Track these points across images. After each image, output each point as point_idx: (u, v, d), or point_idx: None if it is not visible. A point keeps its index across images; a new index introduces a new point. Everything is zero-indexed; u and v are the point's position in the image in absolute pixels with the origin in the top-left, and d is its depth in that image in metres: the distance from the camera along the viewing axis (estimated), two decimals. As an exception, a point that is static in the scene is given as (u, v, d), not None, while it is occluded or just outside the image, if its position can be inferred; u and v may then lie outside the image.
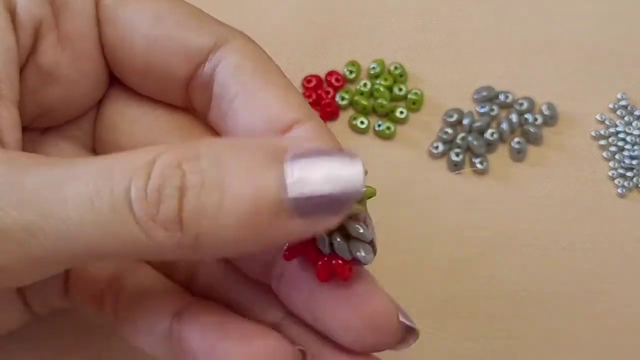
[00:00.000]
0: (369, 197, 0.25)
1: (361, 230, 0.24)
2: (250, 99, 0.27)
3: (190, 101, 0.29)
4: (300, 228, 0.22)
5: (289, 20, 0.42)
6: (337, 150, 0.23)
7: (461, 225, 0.38)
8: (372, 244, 0.25)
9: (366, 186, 0.23)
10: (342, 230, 0.24)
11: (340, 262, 0.25)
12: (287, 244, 0.25)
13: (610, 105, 0.41)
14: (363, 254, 0.24)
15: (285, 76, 0.28)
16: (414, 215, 0.38)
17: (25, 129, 0.27)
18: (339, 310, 0.25)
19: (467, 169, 0.39)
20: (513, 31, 0.42)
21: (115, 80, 0.29)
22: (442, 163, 0.39)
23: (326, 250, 0.25)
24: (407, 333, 0.26)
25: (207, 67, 0.27)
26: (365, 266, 0.25)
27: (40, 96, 0.28)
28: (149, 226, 0.22)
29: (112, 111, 0.30)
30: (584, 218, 0.38)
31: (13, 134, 0.25)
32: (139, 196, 0.21)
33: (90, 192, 0.22)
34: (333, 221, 0.22)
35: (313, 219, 0.22)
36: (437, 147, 0.39)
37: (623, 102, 0.41)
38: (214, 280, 0.29)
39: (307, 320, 0.27)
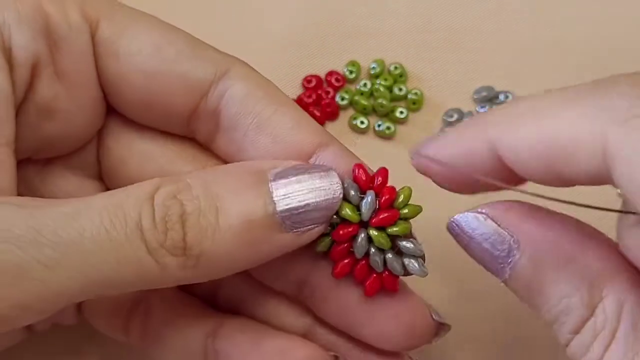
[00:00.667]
0: (417, 214, 0.27)
1: (413, 247, 0.26)
2: (266, 128, 0.27)
3: (192, 131, 0.29)
4: (291, 240, 0.25)
5: (289, 21, 0.42)
6: (313, 165, 0.26)
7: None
8: (423, 258, 0.27)
9: (413, 205, 0.26)
10: (394, 249, 0.26)
11: (389, 275, 0.27)
12: (336, 265, 0.27)
13: (610, 105, 0.41)
14: (417, 267, 0.26)
15: (294, 102, 0.28)
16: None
17: (28, 160, 0.28)
18: (376, 320, 0.27)
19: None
20: (513, 31, 0.42)
21: (113, 109, 0.29)
22: (442, 163, 0.39)
23: (379, 268, 0.26)
24: (440, 328, 0.28)
25: (211, 98, 0.27)
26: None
27: (39, 130, 0.27)
28: (158, 253, 0.23)
29: (114, 142, 0.29)
30: (584, 218, 0.38)
31: (7, 175, 0.26)
32: (149, 226, 0.23)
33: (105, 222, 0.23)
34: (319, 230, 0.25)
35: (301, 230, 0.25)
36: (437, 147, 0.39)
37: (623, 102, 0.41)
38: (237, 295, 0.30)
39: (341, 328, 0.28)
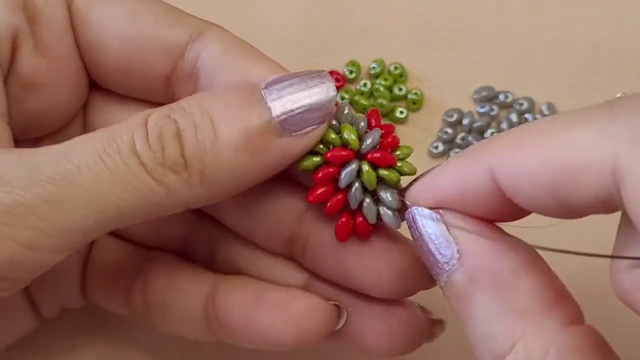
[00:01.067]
0: (411, 174, 0.26)
1: (391, 199, 0.25)
2: (242, 82, 0.27)
3: (171, 96, 0.29)
4: (292, 143, 0.25)
5: (289, 21, 0.42)
6: (304, 71, 0.25)
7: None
8: (399, 211, 0.26)
9: (408, 162, 0.26)
10: (374, 195, 0.26)
11: (362, 220, 0.26)
12: (314, 189, 0.26)
13: (610, 105, 0.41)
14: (391, 217, 0.26)
15: (270, 58, 0.28)
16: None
17: (17, 141, 0.28)
18: (371, 269, 0.27)
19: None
20: (513, 31, 0.42)
21: (95, 84, 0.29)
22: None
23: (354, 204, 0.26)
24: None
25: (187, 59, 0.28)
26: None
27: (25, 106, 0.28)
28: (159, 172, 0.23)
29: (98, 116, 0.30)
30: (584, 217, 0.38)
31: (7, 146, 0.26)
32: (144, 147, 0.23)
33: (99, 152, 0.23)
34: (318, 132, 0.25)
35: (301, 133, 0.25)
36: (437, 147, 0.39)
37: (623, 102, 0.40)
38: (233, 257, 0.29)
39: (337, 281, 0.28)
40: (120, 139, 0.23)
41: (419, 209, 0.24)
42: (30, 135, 0.29)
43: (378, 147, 0.26)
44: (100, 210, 0.23)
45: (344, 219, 0.26)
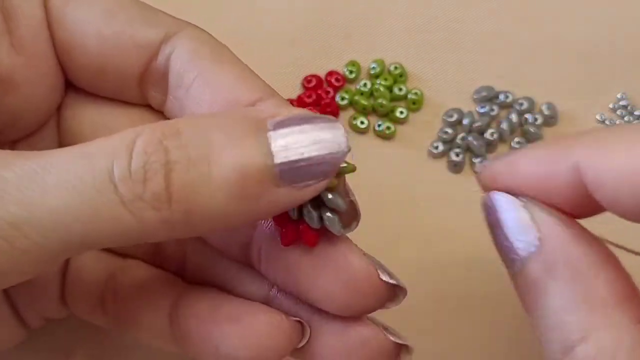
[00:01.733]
0: (349, 172, 0.24)
1: (334, 199, 0.24)
2: (208, 83, 0.26)
3: (145, 97, 0.28)
4: (288, 196, 0.22)
5: (289, 21, 0.42)
6: (316, 115, 0.23)
7: (461, 225, 0.37)
8: (347, 214, 0.24)
9: (346, 162, 0.24)
10: (316, 200, 0.24)
11: (307, 227, 0.25)
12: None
13: (610, 105, 0.41)
14: (334, 221, 0.24)
15: (241, 61, 0.27)
16: (414, 215, 0.38)
17: None
18: (318, 280, 0.25)
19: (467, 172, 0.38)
20: (513, 31, 0.42)
21: (71, 85, 0.29)
22: (442, 163, 0.39)
23: (294, 215, 0.24)
24: (395, 290, 0.26)
25: (160, 58, 0.27)
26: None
27: (1, 106, 0.27)
28: (136, 206, 0.21)
29: (73, 118, 0.29)
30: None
31: None
32: (122, 176, 0.21)
33: (71, 177, 0.21)
34: (321, 186, 0.23)
35: (300, 185, 0.22)
36: (437, 147, 0.39)
37: (623, 102, 0.41)
38: (201, 265, 0.29)
39: (293, 293, 0.27)
40: (97, 163, 0.21)
41: (500, 194, 0.24)
42: (5, 137, 0.28)
43: None
44: (66, 235, 0.21)
45: (285, 229, 0.25)
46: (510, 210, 0.23)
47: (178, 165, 0.21)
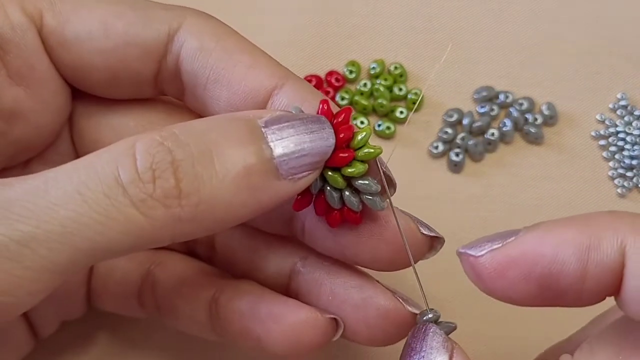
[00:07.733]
0: (375, 157, 0.26)
1: (367, 184, 0.26)
2: (221, 81, 0.27)
3: (162, 91, 0.29)
4: (287, 187, 0.24)
5: (289, 21, 0.42)
6: (304, 114, 0.25)
7: (461, 225, 0.37)
8: (380, 193, 0.26)
9: (372, 147, 0.25)
10: (351, 187, 0.26)
11: (349, 211, 0.26)
12: (297, 196, 0.26)
13: (610, 105, 0.41)
14: (374, 202, 0.26)
15: (248, 41, 0.27)
16: (414, 215, 0.38)
17: (6, 169, 0.27)
18: (364, 244, 0.27)
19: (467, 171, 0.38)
20: (513, 31, 0.42)
21: (78, 91, 0.29)
22: (442, 163, 0.39)
23: (336, 205, 0.26)
24: (433, 241, 0.28)
25: (170, 58, 0.27)
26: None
27: (10, 137, 0.27)
28: (147, 206, 0.22)
29: (88, 127, 0.29)
30: None
31: None
32: (131, 178, 0.22)
33: (77, 186, 0.21)
34: (313, 177, 0.25)
35: (297, 177, 0.24)
36: (437, 147, 0.39)
37: (623, 102, 0.41)
38: (231, 245, 0.30)
39: (337, 257, 0.28)
40: (101, 170, 0.22)
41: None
42: (18, 161, 0.28)
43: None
44: (78, 247, 0.21)
45: (332, 215, 0.26)
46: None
47: (184, 162, 0.22)
